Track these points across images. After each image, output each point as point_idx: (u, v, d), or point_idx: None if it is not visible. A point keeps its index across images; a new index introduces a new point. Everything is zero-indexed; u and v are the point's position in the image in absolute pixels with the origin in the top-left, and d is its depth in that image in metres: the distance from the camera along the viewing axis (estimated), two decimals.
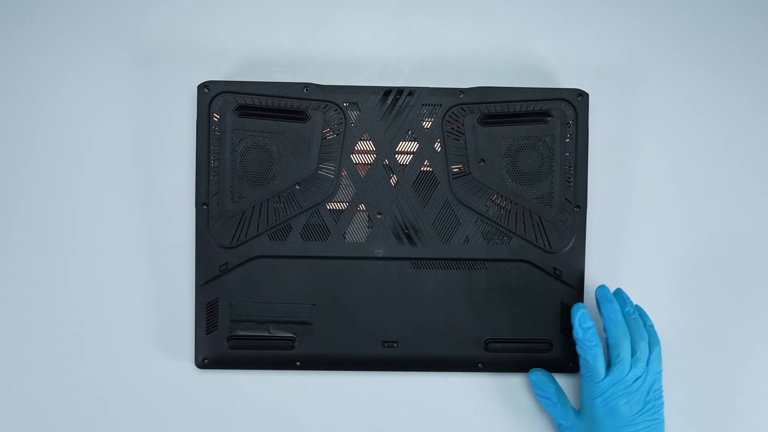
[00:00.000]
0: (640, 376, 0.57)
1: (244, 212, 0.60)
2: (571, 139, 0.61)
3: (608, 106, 0.64)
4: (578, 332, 0.57)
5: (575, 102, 0.61)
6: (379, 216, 0.61)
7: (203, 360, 0.61)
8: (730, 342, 0.65)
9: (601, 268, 0.64)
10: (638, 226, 0.64)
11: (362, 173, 0.61)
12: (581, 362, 0.58)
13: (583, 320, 0.57)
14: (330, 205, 0.61)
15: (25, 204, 0.64)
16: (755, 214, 0.65)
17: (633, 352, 0.57)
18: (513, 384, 0.64)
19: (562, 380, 0.63)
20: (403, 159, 0.61)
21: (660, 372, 0.59)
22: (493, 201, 0.61)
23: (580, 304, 0.59)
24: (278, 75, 0.64)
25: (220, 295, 0.60)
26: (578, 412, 0.59)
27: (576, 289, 0.61)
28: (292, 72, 0.65)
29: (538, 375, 0.61)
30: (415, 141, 0.61)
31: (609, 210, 0.64)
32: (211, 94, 0.60)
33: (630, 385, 0.57)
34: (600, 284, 0.61)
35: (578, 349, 0.58)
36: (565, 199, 0.61)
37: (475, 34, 0.65)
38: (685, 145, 0.65)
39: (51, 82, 0.64)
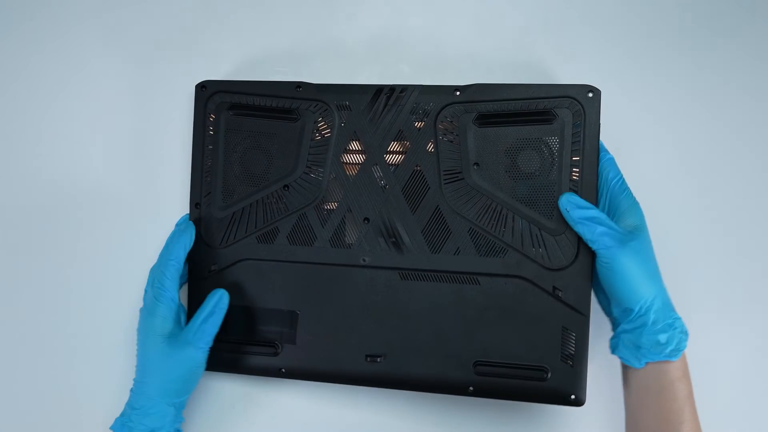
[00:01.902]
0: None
1: (234, 213, 0.59)
2: (578, 142, 0.54)
3: (608, 106, 0.62)
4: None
5: (584, 100, 0.54)
6: (366, 222, 0.57)
7: None
8: (735, 351, 0.62)
9: None
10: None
11: (351, 176, 0.58)
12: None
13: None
14: (317, 209, 0.58)
15: (23, 203, 0.65)
16: (757, 215, 0.62)
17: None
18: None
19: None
20: (394, 161, 0.58)
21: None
22: (487, 210, 0.56)
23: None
24: (278, 75, 0.64)
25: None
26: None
27: (579, 311, 0.54)
28: (292, 72, 0.64)
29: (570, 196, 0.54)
30: (406, 142, 0.57)
31: None
32: (207, 94, 0.59)
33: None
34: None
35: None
36: None
37: (476, 34, 0.63)
38: (689, 146, 0.62)
39: (52, 83, 0.66)
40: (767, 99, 0.63)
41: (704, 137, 0.63)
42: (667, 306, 0.52)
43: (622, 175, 0.55)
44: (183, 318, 0.58)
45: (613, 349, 0.54)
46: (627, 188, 0.54)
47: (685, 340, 0.51)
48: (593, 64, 0.63)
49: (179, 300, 0.57)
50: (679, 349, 0.51)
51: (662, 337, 0.50)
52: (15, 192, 0.66)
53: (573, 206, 0.53)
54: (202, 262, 0.60)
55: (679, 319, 0.51)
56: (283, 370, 0.59)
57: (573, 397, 0.54)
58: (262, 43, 0.64)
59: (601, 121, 0.55)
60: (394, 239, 0.57)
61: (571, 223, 0.53)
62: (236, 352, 0.59)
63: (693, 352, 0.54)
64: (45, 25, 0.66)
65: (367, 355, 0.57)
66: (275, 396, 0.63)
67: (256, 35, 0.65)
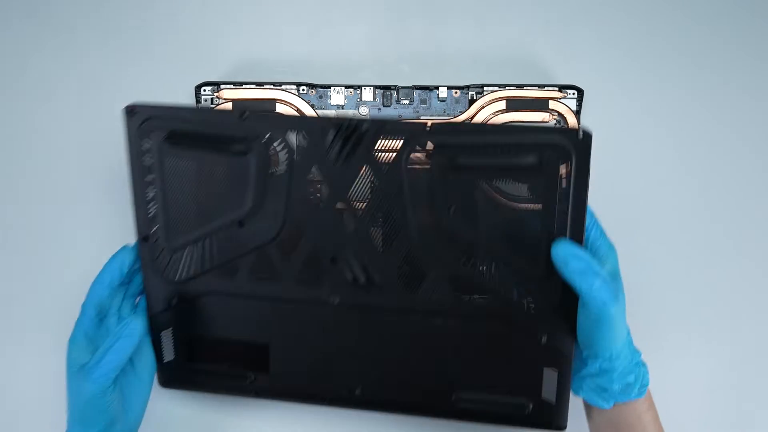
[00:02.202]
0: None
1: (187, 249, 0.54)
2: (566, 188, 0.48)
3: (608, 106, 0.61)
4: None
5: (574, 143, 0.47)
6: (333, 262, 0.52)
7: (164, 381, 0.57)
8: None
9: None
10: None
11: (313, 214, 0.52)
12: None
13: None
14: (278, 247, 0.52)
15: (21, 204, 0.64)
16: (757, 215, 0.62)
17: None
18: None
19: None
20: (360, 201, 0.51)
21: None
22: (464, 253, 0.51)
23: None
24: (278, 76, 0.63)
25: (173, 326, 0.55)
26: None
27: (562, 356, 0.51)
28: (292, 72, 0.64)
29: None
30: (372, 182, 0.51)
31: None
32: (138, 120, 0.52)
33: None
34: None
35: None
36: None
37: (476, 34, 0.63)
38: (689, 146, 0.62)
39: (51, 83, 0.65)
40: (767, 99, 0.63)
41: (704, 137, 0.63)
42: (632, 346, 0.51)
43: (596, 218, 0.51)
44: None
45: (577, 390, 0.52)
46: (603, 231, 0.51)
47: (647, 374, 0.51)
48: (593, 64, 0.63)
49: (95, 331, 0.54)
50: (644, 385, 0.51)
51: (630, 378, 0.50)
52: (15, 192, 0.66)
53: (571, 257, 0.47)
54: (160, 296, 0.55)
55: (639, 353, 0.51)
56: (256, 392, 0.56)
57: (553, 424, 0.53)
58: (261, 44, 0.64)
59: (597, 124, 0.51)
60: (364, 280, 0.53)
61: (566, 274, 0.48)
62: (204, 373, 0.56)
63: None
64: (43, 24, 0.66)
65: (342, 389, 0.54)
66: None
67: (255, 35, 0.64)
